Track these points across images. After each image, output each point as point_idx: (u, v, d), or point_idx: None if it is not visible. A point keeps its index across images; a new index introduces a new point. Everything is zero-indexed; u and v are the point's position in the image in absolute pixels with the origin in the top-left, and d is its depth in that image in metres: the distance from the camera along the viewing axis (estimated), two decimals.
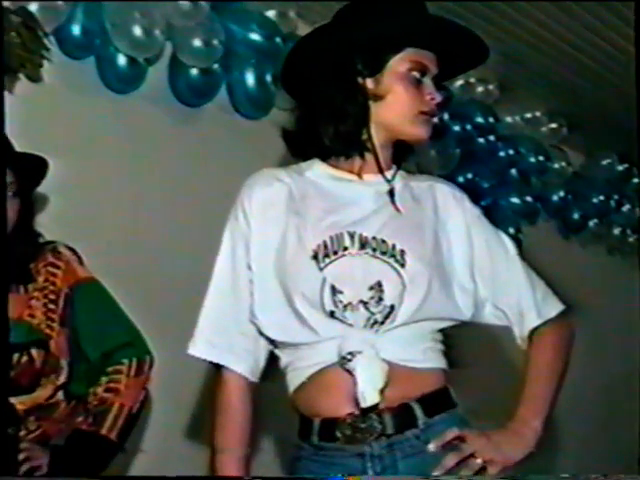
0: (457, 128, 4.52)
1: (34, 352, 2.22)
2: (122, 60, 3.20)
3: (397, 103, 1.73)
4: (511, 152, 4.86)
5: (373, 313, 1.67)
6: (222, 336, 1.74)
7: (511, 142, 4.87)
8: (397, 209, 1.74)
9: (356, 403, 1.64)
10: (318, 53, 1.74)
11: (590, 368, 5.06)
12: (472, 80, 4.52)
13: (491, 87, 4.60)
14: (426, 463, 1.65)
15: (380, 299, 1.67)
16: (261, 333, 1.74)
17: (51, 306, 2.28)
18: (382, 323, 1.67)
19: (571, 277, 5.30)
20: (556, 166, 5.22)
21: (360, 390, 1.63)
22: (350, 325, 1.66)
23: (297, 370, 1.72)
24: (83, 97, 3.15)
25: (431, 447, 1.65)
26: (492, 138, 4.71)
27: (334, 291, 1.66)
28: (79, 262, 2.37)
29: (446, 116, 4.39)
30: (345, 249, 1.68)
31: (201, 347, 1.75)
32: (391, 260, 1.69)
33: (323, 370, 1.68)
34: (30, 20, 2.88)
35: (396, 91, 1.72)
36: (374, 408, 1.64)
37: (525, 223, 5.01)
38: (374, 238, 1.69)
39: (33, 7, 2.94)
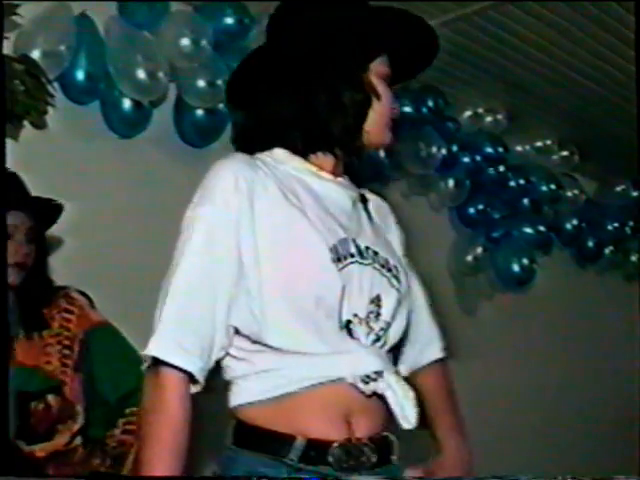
0: (466, 159, 4.52)
1: (50, 399, 2.24)
2: (127, 104, 3.23)
3: (383, 106, 1.67)
4: (522, 182, 4.83)
5: (372, 329, 1.59)
6: (193, 339, 1.49)
7: (522, 171, 4.84)
8: (370, 219, 1.72)
9: (352, 428, 1.55)
10: (301, 46, 1.65)
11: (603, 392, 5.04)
12: (480, 110, 4.54)
13: (500, 117, 4.59)
14: None
15: (378, 314, 1.60)
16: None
17: (66, 352, 2.31)
18: (378, 340, 1.60)
19: (588, 306, 5.31)
20: (569, 194, 5.19)
21: (401, 412, 1.55)
22: (357, 339, 1.57)
23: (284, 378, 1.53)
24: (88, 142, 3.18)
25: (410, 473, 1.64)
26: (502, 168, 4.70)
27: (350, 299, 1.56)
28: (91, 306, 2.40)
29: (455, 147, 4.41)
30: (352, 256, 1.59)
31: (170, 350, 1.48)
32: (389, 274, 1.64)
33: (323, 385, 1.54)
34: (33, 67, 2.91)
35: (380, 93, 1.67)
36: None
37: (539, 253, 4.98)
38: (368, 248, 1.63)
39: (36, 54, 2.97)
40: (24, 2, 2.89)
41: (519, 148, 4.93)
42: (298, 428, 1.52)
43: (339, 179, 1.68)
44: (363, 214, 1.71)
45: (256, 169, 1.58)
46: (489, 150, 4.60)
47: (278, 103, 1.64)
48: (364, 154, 1.70)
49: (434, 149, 4.22)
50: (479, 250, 4.67)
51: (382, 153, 4.05)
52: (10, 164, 2.88)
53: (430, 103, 4.22)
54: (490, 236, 4.73)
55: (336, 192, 1.66)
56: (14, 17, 2.90)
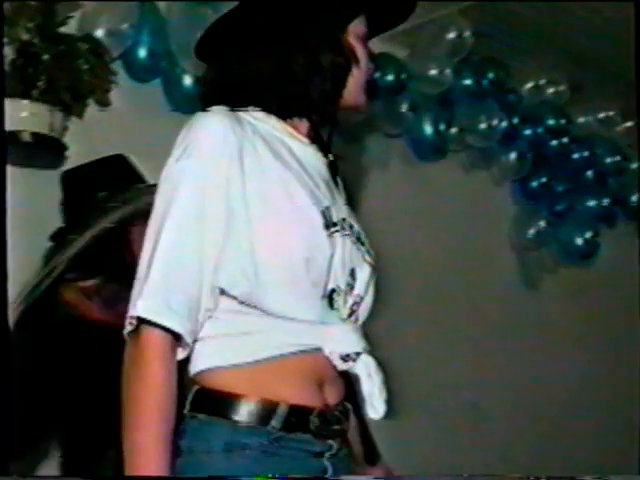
0: (528, 132, 4.46)
1: None
2: (188, 81, 3.25)
3: (360, 70, 1.63)
4: (586, 154, 4.76)
5: (347, 302, 1.57)
6: (181, 299, 1.42)
7: (585, 143, 4.77)
8: (338, 186, 1.67)
9: (325, 396, 1.54)
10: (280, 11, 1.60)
11: None
12: (542, 82, 4.46)
13: (562, 88, 4.51)
14: (345, 466, 1.59)
15: (352, 288, 1.57)
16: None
17: None
18: (352, 314, 1.59)
19: None
20: (634, 166, 5.08)
21: (372, 400, 1.56)
22: (337, 310, 1.55)
23: (266, 342, 1.49)
24: (151, 119, 3.21)
25: None
26: (565, 140, 4.62)
27: (335, 269, 1.53)
28: None
29: (517, 120, 4.35)
30: (335, 225, 1.54)
31: (158, 310, 1.41)
32: (363, 248, 1.62)
33: (304, 353, 1.51)
34: (97, 46, 2.94)
35: (359, 53, 1.62)
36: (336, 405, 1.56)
37: (603, 227, 4.91)
38: (344, 220, 1.59)
39: (99, 33, 3.01)
40: None
41: (582, 119, 4.83)
42: (279, 394, 1.49)
43: (315, 144, 1.64)
44: (333, 182, 1.65)
45: (242, 125, 1.51)
46: (551, 122, 4.53)
47: (254, 62, 1.58)
48: (336, 121, 1.65)
49: (495, 122, 4.17)
50: (542, 224, 4.61)
51: (442, 126, 4.06)
52: (75, 142, 2.97)
53: (491, 75, 4.17)
54: (553, 210, 4.67)
55: (314, 157, 1.62)
56: None
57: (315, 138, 1.65)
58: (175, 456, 1.45)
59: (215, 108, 1.53)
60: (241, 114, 1.56)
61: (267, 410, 1.47)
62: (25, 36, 2.82)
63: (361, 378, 1.56)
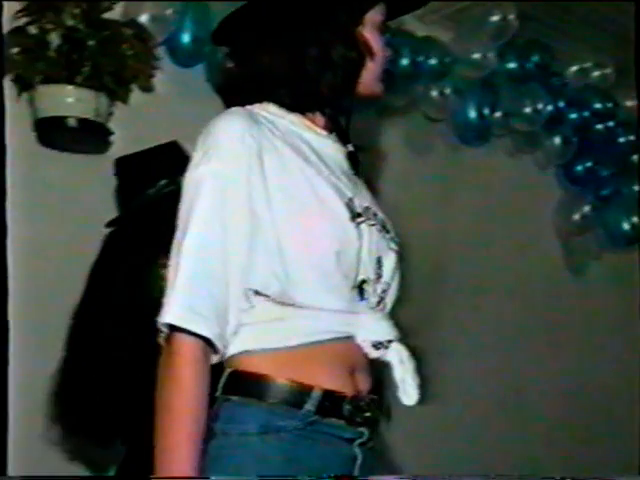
0: (574, 115, 4.40)
1: None
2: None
3: (376, 62, 1.61)
4: (632, 137, 4.65)
5: (375, 290, 1.58)
6: (207, 303, 1.43)
7: (631, 127, 4.64)
8: (359, 176, 1.67)
9: (356, 383, 1.54)
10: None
11: None
12: (588, 65, 4.40)
13: (608, 71, 4.45)
14: (372, 457, 1.59)
15: (379, 276, 1.58)
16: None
17: None
18: (380, 302, 1.60)
19: None
20: None
21: (405, 387, 1.56)
22: (366, 300, 1.56)
23: (301, 329, 1.49)
24: (194, 104, 3.22)
25: None
26: (611, 124, 4.55)
27: (363, 259, 1.54)
28: None
29: (562, 104, 4.30)
30: (360, 215, 1.55)
31: (184, 315, 1.42)
32: (387, 236, 1.61)
33: (337, 340, 1.52)
34: (141, 32, 2.97)
35: (375, 45, 1.60)
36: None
37: None
38: (368, 208, 1.59)
39: (144, 19, 3.03)
40: None
41: (628, 103, 4.74)
42: (313, 379, 1.49)
43: (333, 135, 1.63)
44: (354, 172, 1.65)
45: (259, 124, 1.51)
46: (597, 105, 4.47)
47: (267, 56, 1.57)
48: (352, 111, 1.64)
49: (540, 105, 4.11)
50: (587, 209, 4.55)
51: (486, 110, 4.04)
52: (120, 127, 2.99)
53: (536, 58, 4.12)
54: (598, 194, 4.60)
55: (333, 149, 1.62)
56: None
57: (333, 129, 1.64)
58: (207, 442, 1.45)
59: (233, 110, 1.53)
60: (258, 111, 1.56)
61: (302, 393, 1.48)
62: (70, 22, 2.85)
63: (393, 365, 1.57)
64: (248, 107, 1.56)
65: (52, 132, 2.90)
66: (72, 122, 2.86)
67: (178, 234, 1.47)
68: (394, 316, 1.67)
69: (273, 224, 1.47)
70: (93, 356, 2.30)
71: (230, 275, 1.45)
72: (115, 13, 3.00)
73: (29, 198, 2.88)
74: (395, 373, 1.57)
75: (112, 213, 2.52)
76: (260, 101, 1.58)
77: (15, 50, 2.78)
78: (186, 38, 3.21)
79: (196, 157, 1.50)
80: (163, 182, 2.44)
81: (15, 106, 2.85)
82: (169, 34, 3.16)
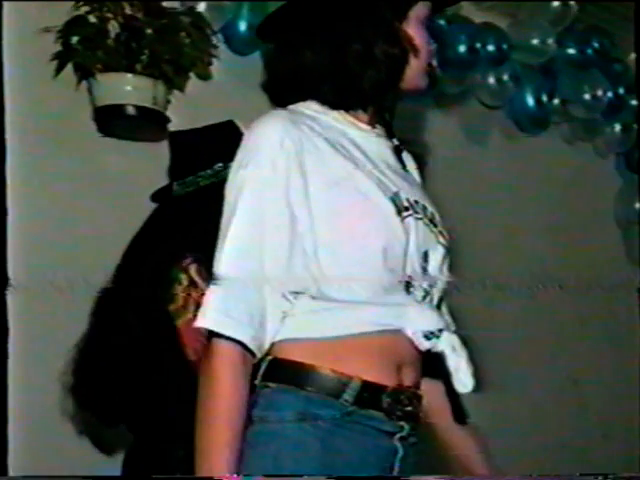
0: (634, 102, 4.31)
1: None
2: None
3: (420, 59, 1.59)
4: None
5: (422, 284, 1.56)
6: (242, 306, 1.44)
7: None
8: (406, 169, 1.66)
9: (401, 377, 1.52)
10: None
11: None
12: None
13: None
14: (412, 458, 1.57)
15: (425, 270, 1.56)
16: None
17: None
18: (426, 296, 1.57)
19: None
20: None
21: (460, 375, 1.56)
22: (413, 294, 1.54)
23: (345, 320, 1.49)
24: (251, 92, 3.23)
25: None
26: None
27: (410, 253, 1.53)
28: None
29: (622, 90, 4.24)
30: (407, 209, 1.53)
31: (218, 319, 1.45)
32: (436, 230, 1.59)
33: (383, 332, 1.50)
34: (199, 20, 2.97)
35: (419, 41, 1.58)
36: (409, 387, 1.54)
37: None
38: (417, 202, 1.57)
39: (201, 7, 3.05)
40: None
41: None
42: (353, 370, 1.47)
43: (377, 129, 1.63)
44: (401, 166, 1.65)
45: (299, 125, 1.50)
46: None
47: (310, 53, 1.55)
48: (396, 105, 1.64)
49: (600, 92, 4.08)
50: None
51: (545, 97, 4.00)
52: (178, 115, 3.01)
53: (596, 44, 4.08)
54: None
55: (377, 144, 1.61)
56: None
57: (378, 123, 1.64)
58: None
59: (274, 112, 1.53)
60: (301, 109, 1.56)
61: (340, 383, 1.47)
62: (129, 11, 2.87)
63: (446, 354, 1.56)
64: (291, 107, 1.57)
65: (111, 120, 2.92)
66: (130, 110, 2.88)
67: (220, 238, 1.49)
68: (450, 307, 1.67)
69: (312, 227, 1.47)
70: (109, 336, 2.23)
71: (268, 280, 1.46)
72: (173, 2, 3.01)
73: (88, 187, 2.93)
74: (449, 362, 1.57)
75: None
76: (304, 98, 1.58)
77: (75, 39, 2.81)
78: (242, 26, 3.22)
79: (237, 160, 1.52)
80: (219, 165, 2.36)
81: (72, 95, 2.91)
82: (226, 22, 3.17)
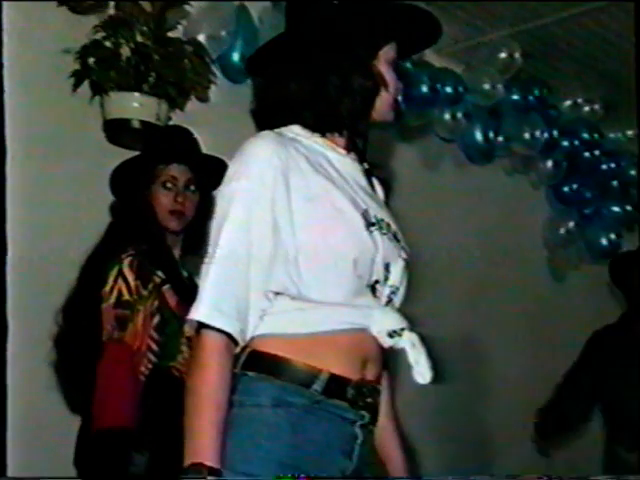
0: (565, 143, 4.40)
1: None
2: None
3: (389, 92, 1.58)
4: (613, 165, 4.69)
5: (384, 291, 1.55)
6: (231, 303, 1.43)
7: (613, 157, 4.69)
8: (374, 190, 1.65)
9: (365, 372, 1.51)
10: (317, 37, 1.55)
11: None
12: (579, 100, 4.41)
13: (596, 107, 4.45)
14: (370, 444, 1.55)
15: (387, 279, 1.54)
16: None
17: None
18: (390, 301, 1.56)
19: None
20: None
21: (419, 368, 1.52)
22: (378, 298, 1.53)
23: (317, 317, 1.47)
24: (242, 115, 3.18)
25: None
26: (597, 153, 4.56)
27: (376, 263, 1.52)
28: None
29: (556, 132, 4.28)
30: (373, 225, 1.52)
31: (209, 313, 1.42)
32: (397, 245, 1.58)
33: (350, 331, 1.49)
34: (200, 49, 2.95)
35: (388, 77, 1.58)
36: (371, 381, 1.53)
37: (624, 229, 4.83)
38: (382, 220, 1.56)
39: (201, 38, 3.01)
40: None
41: (612, 135, 4.76)
42: (323, 363, 1.46)
43: (351, 155, 1.61)
44: (370, 187, 1.63)
45: (286, 146, 1.48)
46: (586, 136, 4.47)
47: (295, 83, 1.54)
48: (368, 133, 1.62)
49: (538, 133, 4.11)
50: (571, 225, 4.56)
51: (491, 134, 4.01)
52: None
53: (536, 92, 4.13)
54: (582, 213, 4.61)
55: (351, 167, 1.59)
56: (186, 6, 2.94)
57: (352, 148, 1.62)
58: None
59: (264, 133, 1.51)
60: (286, 133, 1.54)
61: (311, 375, 1.46)
62: (139, 38, 2.84)
63: (407, 349, 1.54)
64: (277, 130, 1.55)
65: (118, 132, 2.88)
66: (136, 124, 2.84)
67: (211, 241, 1.47)
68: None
69: (293, 235, 1.45)
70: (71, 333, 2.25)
71: (252, 279, 1.44)
72: (178, 32, 2.98)
73: (97, 190, 2.85)
74: (409, 356, 1.54)
75: None
76: (288, 123, 1.57)
77: (92, 60, 2.78)
78: (236, 57, 3.18)
79: (229, 174, 1.49)
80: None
81: (89, 108, 2.85)
82: (222, 52, 3.14)
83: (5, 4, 2.61)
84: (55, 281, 2.47)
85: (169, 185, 2.36)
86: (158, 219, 2.33)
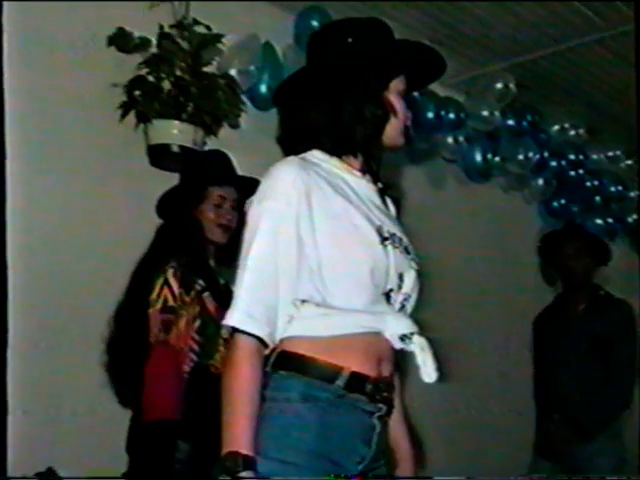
0: (554, 163, 4.37)
1: None
2: None
3: (398, 120, 1.57)
4: (596, 183, 4.68)
5: (398, 298, 1.54)
6: (261, 309, 1.42)
7: (596, 175, 4.68)
8: (387, 208, 1.64)
9: (380, 370, 1.50)
10: (335, 71, 1.56)
11: None
12: (566, 125, 4.41)
13: (581, 131, 4.45)
14: (385, 433, 1.55)
15: (400, 287, 1.53)
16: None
17: None
18: (403, 307, 1.55)
19: None
20: (632, 194, 4.94)
21: (426, 369, 1.50)
22: (392, 305, 1.52)
23: (340, 322, 1.47)
24: (269, 139, 3.14)
25: None
26: (581, 172, 4.54)
27: (390, 273, 1.50)
28: None
29: (546, 154, 4.25)
30: (387, 239, 1.51)
31: (242, 319, 1.42)
32: (409, 257, 1.56)
33: (368, 333, 1.48)
34: (231, 82, 2.92)
35: (398, 106, 1.57)
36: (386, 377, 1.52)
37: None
38: (394, 235, 1.55)
39: (233, 72, 2.98)
40: (228, 34, 2.92)
41: (595, 156, 4.75)
42: (344, 362, 1.46)
43: (366, 176, 1.59)
44: (383, 205, 1.62)
45: (308, 169, 1.48)
46: (572, 157, 4.46)
47: (314, 112, 1.54)
48: (382, 157, 1.60)
49: (530, 154, 4.07)
50: None
51: (489, 155, 3.96)
52: None
53: (529, 118, 4.11)
54: None
55: (366, 187, 1.58)
56: (219, 44, 2.91)
57: (367, 170, 1.59)
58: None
59: (289, 159, 1.50)
60: (308, 157, 1.53)
61: (334, 372, 1.45)
62: (179, 73, 2.82)
63: (416, 351, 1.53)
64: (301, 155, 1.53)
65: (160, 156, 2.84)
66: (175, 148, 2.81)
67: (242, 255, 1.46)
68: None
69: (316, 249, 1.45)
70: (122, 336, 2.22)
71: (281, 288, 1.44)
72: (212, 67, 2.95)
73: (141, 211, 2.80)
74: (417, 358, 1.52)
75: None
76: (309, 148, 1.55)
77: (137, 92, 2.76)
78: (263, 88, 3.16)
79: (258, 195, 1.48)
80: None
81: (135, 134, 2.82)
82: (251, 84, 3.11)
83: (65, 41, 2.65)
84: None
85: (218, 204, 2.34)
86: (205, 233, 2.31)
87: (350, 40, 1.56)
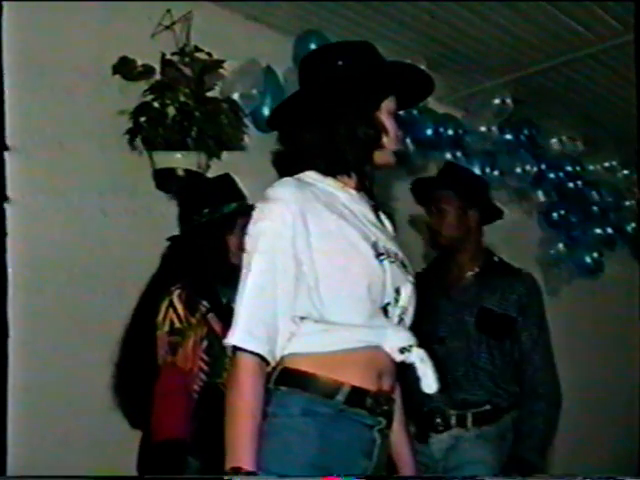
0: (552, 175, 4.33)
1: None
2: None
3: (390, 139, 1.56)
4: (594, 193, 4.64)
5: (395, 312, 1.53)
6: (261, 328, 1.41)
7: (594, 186, 4.64)
8: (383, 225, 1.62)
9: (381, 383, 1.48)
10: (330, 92, 1.55)
11: None
12: (563, 138, 4.33)
13: (578, 143, 4.38)
14: (386, 445, 1.53)
15: (397, 300, 1.52)
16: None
17: None
18: (401, 320, 1.54)
19: None
20: (628, 204, 4.90)
21: (427, 380, 1.49)
22: (390, 318, 1.50)
23: (339, 338, 1.45)
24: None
25: None
26: (579, 183, 4.50)
27: (387, 287, 1.49)
28: None
29: (544, 166, 4.22)
30: (382, 254, 1.50)
31: (243, 337, 1.41)
32: (405, 270, 1.55)
33: (367, 348, 1.47)
34: (234, 106, 2.91)
35: (389, 126, 1.56)
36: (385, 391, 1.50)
37: (606, 249, 4.74)
38: (390, 249, 1.54)
39: (235, 96, 2.97)
40: (229, 60, 2.91)
41: (592, 167, 4.69)
42: (344, 377, 1.45)
43: (361, 193, 1.58)
44: (378, 221, 1.61)
45: (304, 189, 1.48)
46: (569, 169, 4.41)
47: (308, 134, 1.53)
48: (374, 175, 1.60)
49: (528, 167, 4.03)
50: (560, 246, 4.49)
51: (488, 169, 3.93)
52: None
53: (526, 132, 4.07)
54: (569, 235, 4.53)
55: (360, 204, 1.57)
56: (221, 70, 2.90)
57: (361, 188, 1.59)
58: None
59: (284, 180, 1.50)
60: (303, 178, 1.53)
61: (334, 387, 1.44)
62: (183, 98, 2.80)
63: (416, 363, 1.51)
64: (296, 176, 1.53)
65: (166, 180, 2.82)
66: (180, 172, 2.79)
67: (242, 275, 1.45)
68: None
69: (313, 266, 1.44)
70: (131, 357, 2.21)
71: (280, 306, 1.43)
72: (215, 92, 2.94)
73: (148, 230, 2.79)
74: (418, 370, 1.51)
75: None
76: (304, 169, 1.55)
77: (142, 119, 2.75)
78: (266, 111, 3.13)
79: (256, 215, 1.49)
80: (206, 210, 2.28)
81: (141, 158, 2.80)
82: (253, 108, 3.09)
83: (76, 75, 2.65)
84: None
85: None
86: (229, 259, 2.23)
87: (340, 63, 1.56)
